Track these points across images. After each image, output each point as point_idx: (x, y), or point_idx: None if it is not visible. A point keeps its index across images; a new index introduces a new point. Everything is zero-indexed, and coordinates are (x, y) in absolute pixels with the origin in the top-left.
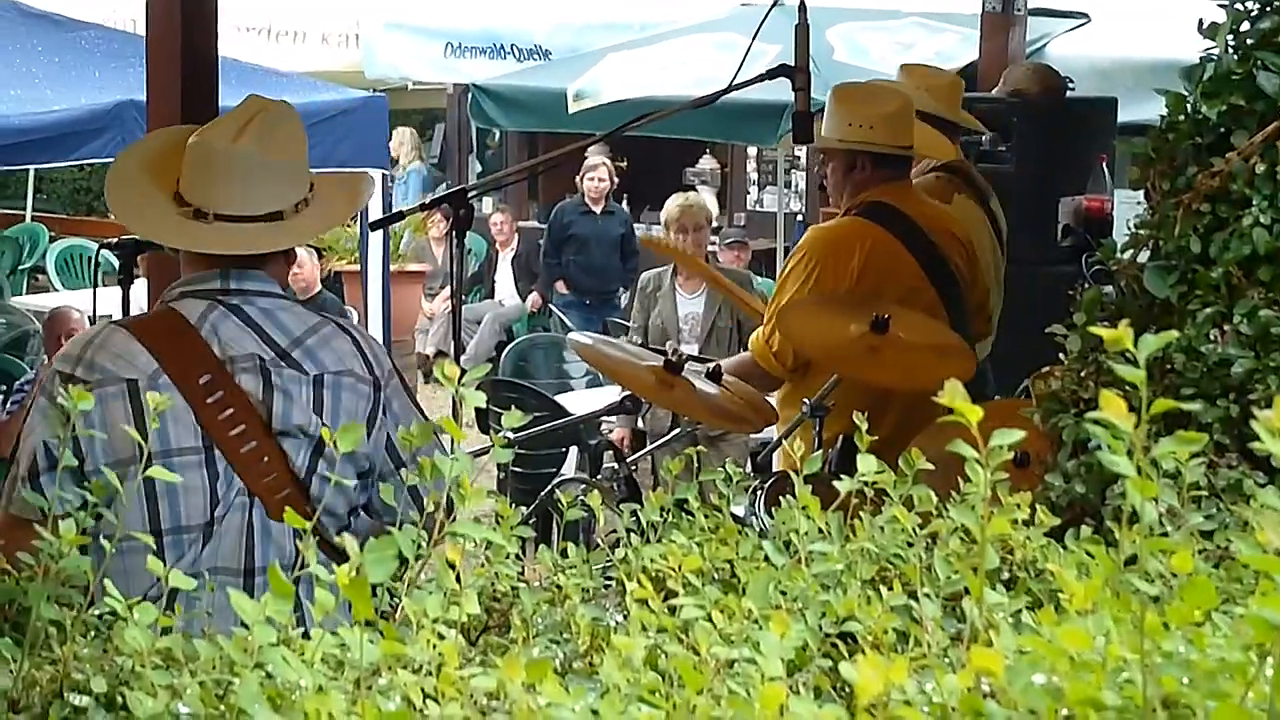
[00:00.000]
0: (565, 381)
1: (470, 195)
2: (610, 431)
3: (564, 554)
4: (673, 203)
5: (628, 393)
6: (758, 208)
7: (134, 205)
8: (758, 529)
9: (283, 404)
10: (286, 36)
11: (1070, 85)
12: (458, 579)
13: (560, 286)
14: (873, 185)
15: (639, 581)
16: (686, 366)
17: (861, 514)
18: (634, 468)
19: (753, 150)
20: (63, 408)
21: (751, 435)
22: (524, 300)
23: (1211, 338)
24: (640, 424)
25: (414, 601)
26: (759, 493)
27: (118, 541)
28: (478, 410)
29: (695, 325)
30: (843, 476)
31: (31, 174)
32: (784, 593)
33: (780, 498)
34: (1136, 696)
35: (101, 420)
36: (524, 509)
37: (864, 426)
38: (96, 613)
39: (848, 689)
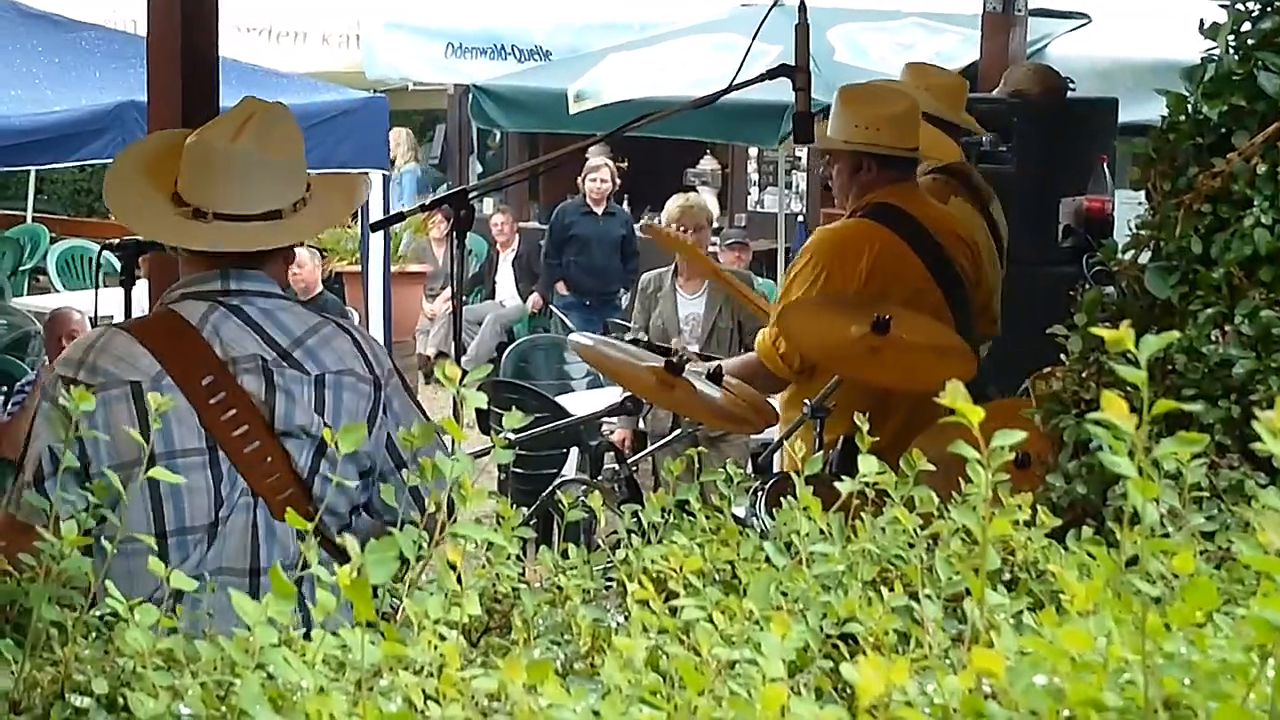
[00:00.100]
0: (566, 382)
1: (471, 196)
2: (611, 433)
3: (565, 555)
4: (673, 203)
5: (628, 394)
6: (758, 208)
7: (133, 205)
8: (759, 530)
9: (285, 404)
10: (287, 37)
11: (1071, 86)
12: (459, 580)
13: (561, 287)
14: (879, 186)
15: (640, 582)
16: (687, 367)
17: (863, 515)
18: (635, 469)
19: (753, 151)
20: (66, 411)
21: (752, 436)
22: (525, 301)
23: (1213, 338)
24: (641, 425)
25: (415, 602)
26: (760, 494)
27: (122, 543)
28: (478, 411)
29: (696, 326)
30: (844, 477)
31: (32, 175)
32: (785, 594)
33: (781, 499)
34: (1138, 697)
35: (105, 423)
36: (525, 510)
37: (865, 427)
38: (98, 614)
39: (849, 690)
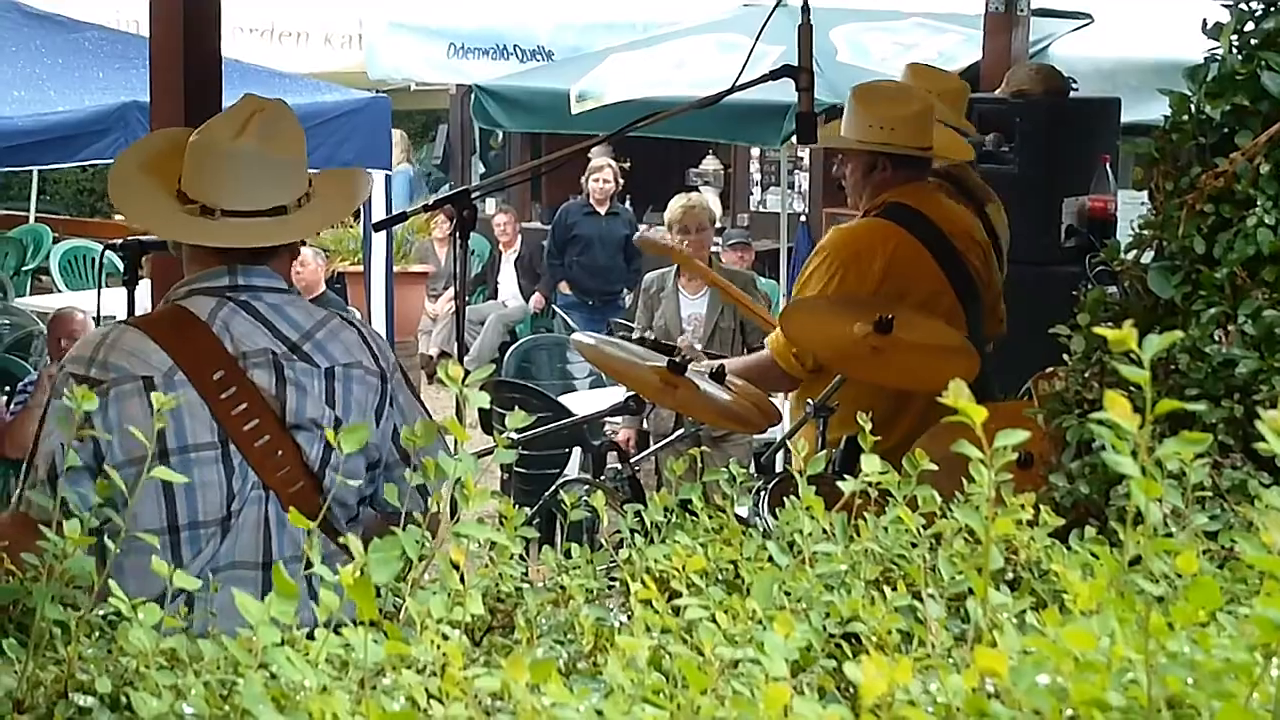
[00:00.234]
0: (569, 382)
1: (473, 196)
2: (614, 432)
3: (568, 554)
4: (676, 203)
5: (631, 393)
6: (761, 208)
7: (140, 205)
8: (761, 530)
9: (296, 397)
10: (290, 37)
11: (1073, 86)
12: (462, 579)
13: (564, 287)
14: (892, 186)
15: (643, 582)
16: (691, 367)
17: (866, 514)
18: (637, 468)
19: (756, 151)
20: (86, 408)
21: (755, 436)
22: (527, 301)
23: (1216, 338)
24: (644, 425)
25: (418, 602)
26: (763, 493)
27: (131, 539)
28: (481, 411)
29: (698, 326)
30: (846, 477)
31: (35, 175)
32: (788, 593)
33: (784, 498)
34: (1141, 697)
35: (118, 418)
36: (528, 510)
37: (868, 427)
38: (101, 613)
39: (852, 689)
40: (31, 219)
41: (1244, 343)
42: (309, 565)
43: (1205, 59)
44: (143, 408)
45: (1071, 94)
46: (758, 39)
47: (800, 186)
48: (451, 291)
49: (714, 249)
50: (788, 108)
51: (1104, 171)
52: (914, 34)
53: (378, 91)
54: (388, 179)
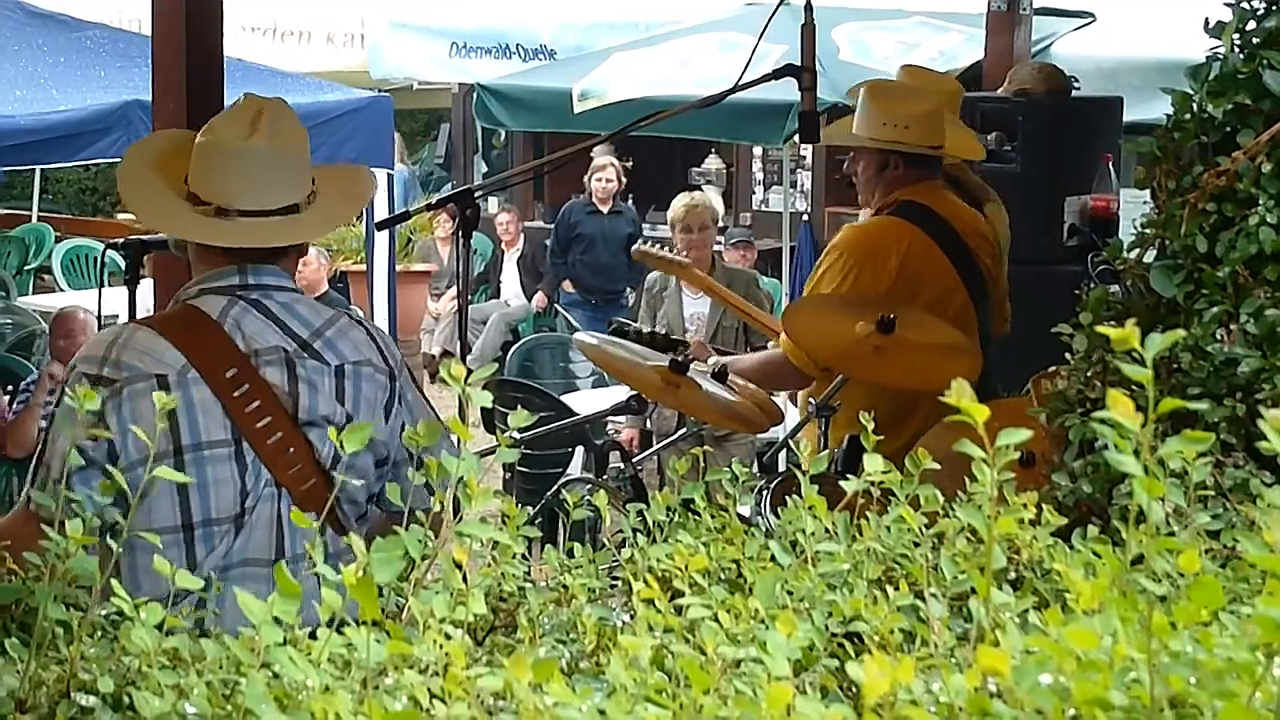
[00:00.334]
0: (571, 381)
1: (476, 195)
2: (617, 432)
3: (570, 554)
4: (679, 202)
5: (634, 393)
6: (763, 207)
7: (155, 207)
8: (764, 529)
9: (308, 395)
10: (292, 36)
11: (1075, 84)
12: (464, 579)
13: (567, 286)
14: (905, 185)
15: (645, 581)
16: (699, 365)
17: (868, 514)
18: (640, 468)
19: (758, 150)
20: (89, 408)
21: (758, 435)
22: (529, 300)
23: (1218, 337)
24: (647, 424)
25: (420, 601)
26: (765, 493)
27: (143, 537)
28: (483, 410)
29: (701, 325)
30: (849, 476)
31: (38, 174)
32: (790, 593)
33: (787, 498)
34: (1143, 696)
35: (131, 417)
36: (530, 509)
37: (871, 426)
38: (103, 612)
39: (854, 689)
40: (34, 218)
41: (1246, 342)
42: (323, 560)
43: (1207, 58)
44: (156, 407)
45: (1074, 93)
46: (760, 38)
47: (802, 186)
48: (454, 291)
49: (716, 248)
50: (790, 107)
51: (1106, 170)
52: (916, 33)
53: (380, 91)
54: (390, 178)
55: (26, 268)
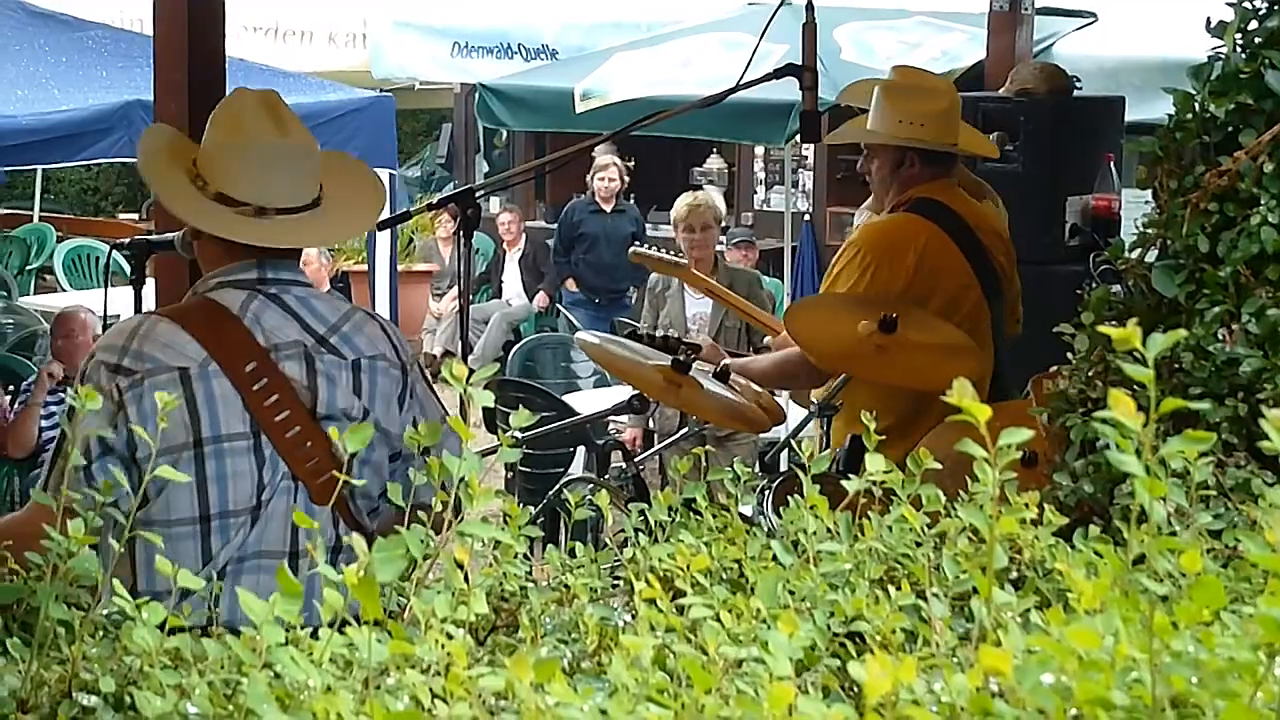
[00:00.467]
0: (573, 381)
1: (477, 195)
2: (619, 431)
3: (572, 553)
4: (682, 201)
5: (636, 392)
6: (765, 207)
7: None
8: (766, 529)
9: (327, 389)
10: (294, 36)
11: (1077, 84)
12: (466, 579)
13: (570, 285)
14: (920, 182)
15: (647, 581)
16: (705, 364)
17: (870, 514)
18: (642, 467)
19: (760, 149)
20: (110, 397)
21: (760, 435)
22: (531, 300)
23: (1219, 337)
24: (649, 424)
25: (423, 601)
26: (767, 492)
27: (162, 528)
28: (485, 410)
29: (703, 325)
30: (852, 476)
31: (39, 174)
32: (792, 592)
33: (788, 497)
34: (1145, 696)
35: (152, 409)
36: (532, 509)
37: (873, 426)
38: (104, 611)
39: (856, 688)
40: (35, 218)
41: (1248, 341)
42: (332, 553)
43: (1209, 57)
44: (179, 399)
45: (1075, 93)
46: (762, 38)
47: (804, 185)
48: (455, 290)
49: (718, 247)
50: (792, 106)
51: (1108, 170)
52: (918, 32)
53: (382, 90)
54: (392, 178)
55: (28, 268)
